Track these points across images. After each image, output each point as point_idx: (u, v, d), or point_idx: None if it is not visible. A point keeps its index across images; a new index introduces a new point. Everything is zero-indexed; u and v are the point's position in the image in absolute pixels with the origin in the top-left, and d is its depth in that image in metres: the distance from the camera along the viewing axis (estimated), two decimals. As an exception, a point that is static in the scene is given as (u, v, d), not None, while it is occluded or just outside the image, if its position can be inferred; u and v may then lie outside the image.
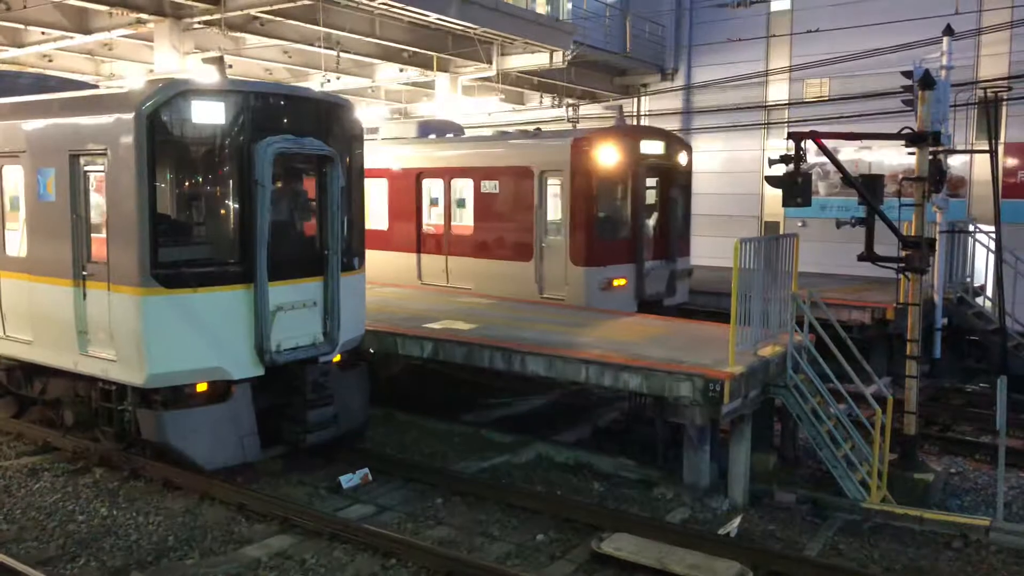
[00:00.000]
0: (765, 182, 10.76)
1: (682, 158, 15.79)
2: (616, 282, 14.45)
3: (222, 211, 9.41)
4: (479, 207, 15.59)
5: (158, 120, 8.55)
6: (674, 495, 9.54)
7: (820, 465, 10.38)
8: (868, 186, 11.13)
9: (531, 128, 17.92)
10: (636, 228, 14.80)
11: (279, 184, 9.46)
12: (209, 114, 8.83)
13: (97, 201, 9.17)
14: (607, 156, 14.30)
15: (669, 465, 10.22)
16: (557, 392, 13.20)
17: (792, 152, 10.14)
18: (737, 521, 8.83)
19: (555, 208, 14.70)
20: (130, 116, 8.51)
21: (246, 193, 8.97)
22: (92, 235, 9.25)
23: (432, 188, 16.54)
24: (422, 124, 18.71)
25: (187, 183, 9.28)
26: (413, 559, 7.65)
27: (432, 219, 16.63)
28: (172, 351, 8.74)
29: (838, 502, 9.60)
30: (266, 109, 9.38)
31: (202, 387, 9.02)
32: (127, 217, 8.61)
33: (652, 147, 15.22)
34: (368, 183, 16.91)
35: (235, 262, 9.08)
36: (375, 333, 11.66)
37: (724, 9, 24.27)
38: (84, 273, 9.22)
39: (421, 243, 16.55)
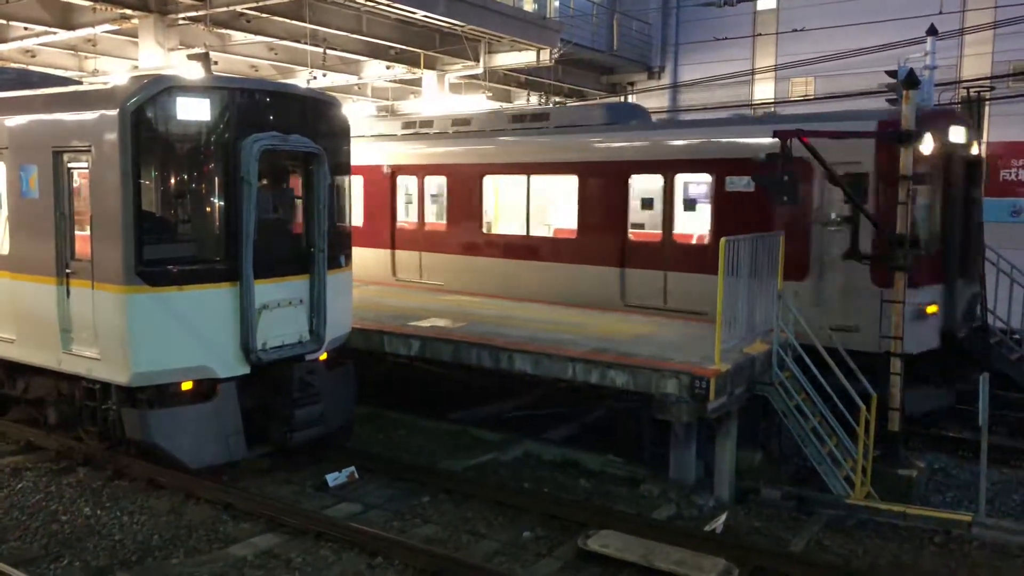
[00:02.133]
0: (752, 180, 10.79)
1: (975, 148, 12.86)
2: (929, 309, 11.57)
3: (207, 208, 9.33)
4: (720, 209, 12.51)
5: (143, 117, 8.48)
6: (660, 492, 9.57)
7: (805, 462, 10.44)
8: (853, 185, 11.19)
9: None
10: (945, 238, 11.87)
11: (265, 181, 9.40)
12: (194, 111, 8.76)
13: (81, 198, 9.10)
14: (922, 146, 11.15)
15: (655, 462, 10.25)
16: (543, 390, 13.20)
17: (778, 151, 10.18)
18: (723, 518, 8.86)
19: (840, 212, 11.68)
20: (114, 112, 8.45)
21: (232, 190, 8.91)
22: (76, 232, 9.17)
23: (643, 186, 13.54)
24: (610, 107, 15.86)
25: (172, 180, 9.19)
26: (400, 557, 7.65)
27: (642, 224, 13.72)
28: (157, 349, 8.68)
29: (823, 498, 9.65)
30: (252, 106, 9.32)
31: (187, 386, 8.95)
32: (111, 214, 8.54)
33: (958, 134, 12.19)
34: (544, 181, 14.75)
35: (221, 260, 9.01)
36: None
37: (711, 8, 24.35)
38: (68, 271, 9.14)
39: (627, 255, 13.45)
